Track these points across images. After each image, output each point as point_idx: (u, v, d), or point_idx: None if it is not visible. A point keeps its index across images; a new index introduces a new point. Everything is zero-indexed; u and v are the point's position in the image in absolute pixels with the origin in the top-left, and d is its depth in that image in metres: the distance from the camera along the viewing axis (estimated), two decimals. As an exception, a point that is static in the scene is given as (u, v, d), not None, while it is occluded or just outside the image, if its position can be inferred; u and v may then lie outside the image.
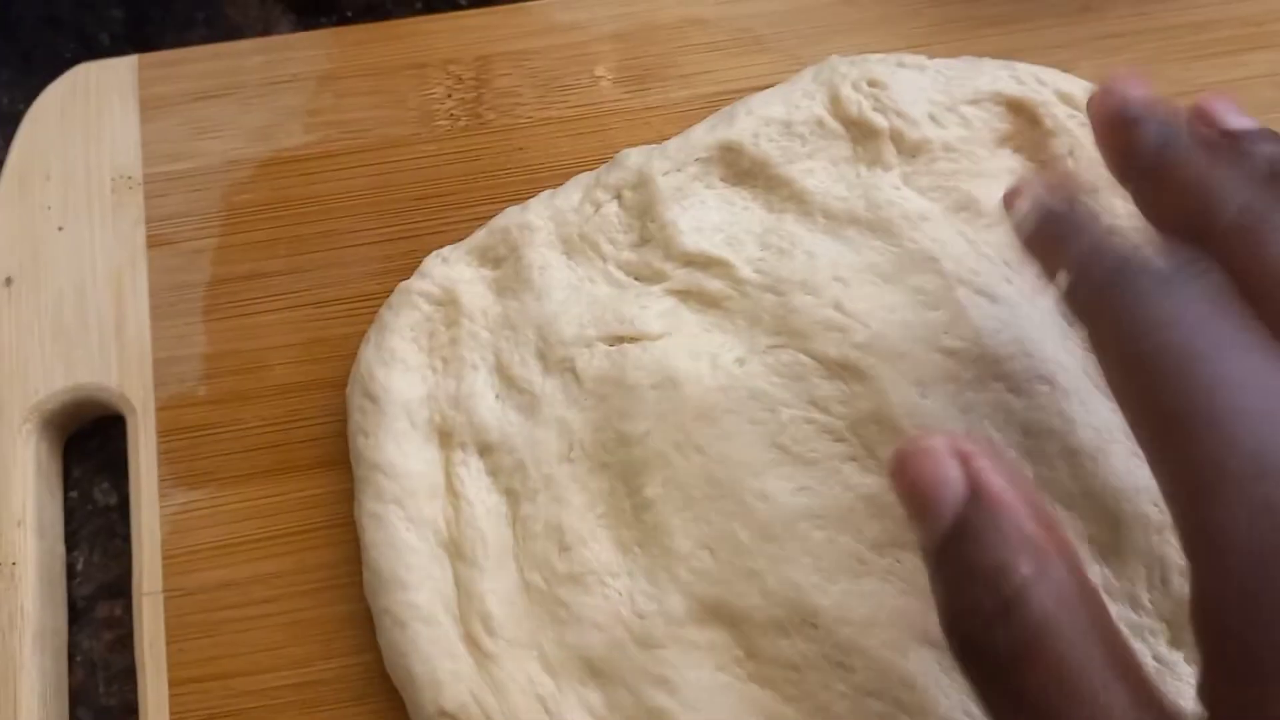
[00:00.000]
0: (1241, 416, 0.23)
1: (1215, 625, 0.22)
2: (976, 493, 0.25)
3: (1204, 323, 0.24)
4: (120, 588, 0.37)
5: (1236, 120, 0.30)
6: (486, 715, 0.31)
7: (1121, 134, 0.30)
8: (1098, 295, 0.26)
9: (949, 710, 0.32)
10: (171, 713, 0.34)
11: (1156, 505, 0.33)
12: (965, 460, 0.25)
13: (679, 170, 0.37)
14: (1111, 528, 0.33)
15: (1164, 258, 0.26)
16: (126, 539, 0.37)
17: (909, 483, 0.26)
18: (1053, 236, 0.29)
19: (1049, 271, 0.28)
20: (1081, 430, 0.34)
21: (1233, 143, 0.29)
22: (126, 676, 0.36)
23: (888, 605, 0.33)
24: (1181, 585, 0.33)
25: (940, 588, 0.25)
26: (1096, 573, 0.33)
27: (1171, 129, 0.29)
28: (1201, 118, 0.30)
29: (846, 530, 0.33)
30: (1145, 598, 0.33)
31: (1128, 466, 0.33)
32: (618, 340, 0.35)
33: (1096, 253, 0.27)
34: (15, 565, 0.35)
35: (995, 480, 0.25)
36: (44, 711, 0.34)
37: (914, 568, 0.33)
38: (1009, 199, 0.31)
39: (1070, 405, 0.34)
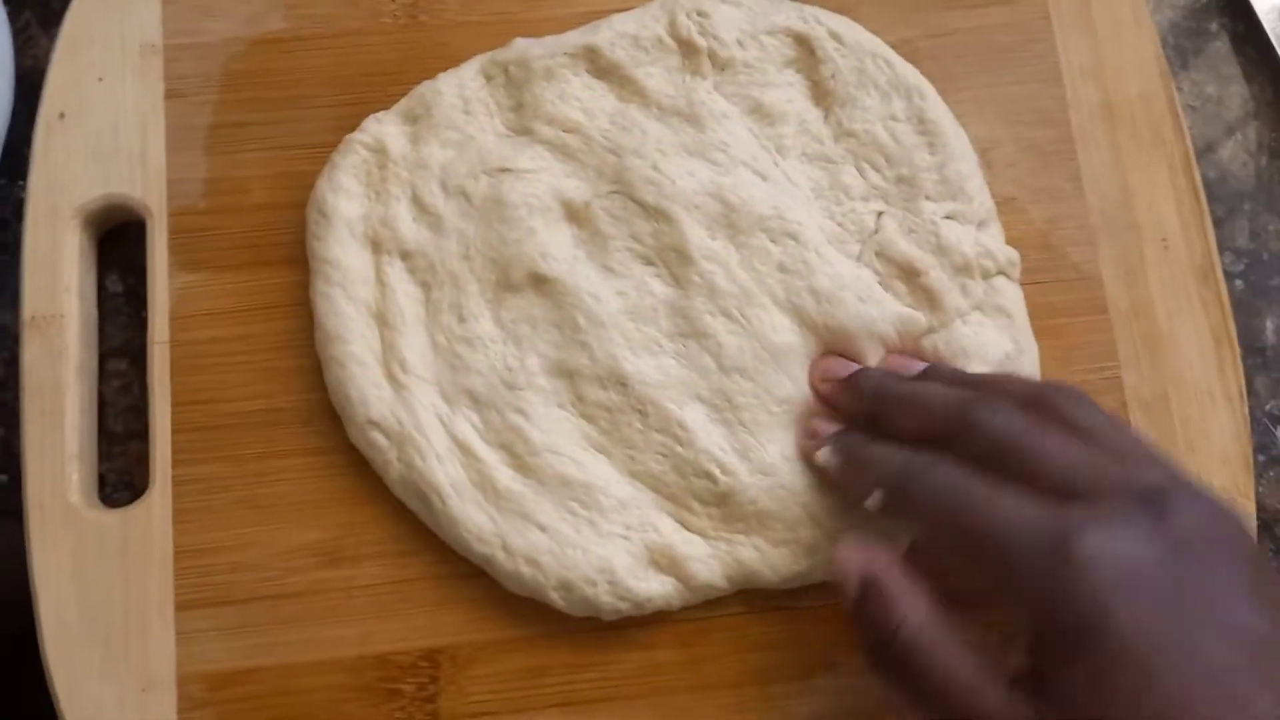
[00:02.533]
0: (1017, 534, 0.36)
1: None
2: (871, 572, 0.39)
3: (970, 480, 0.38)
4: (124, 349, 0.52)
5: (918, 365, 0.47)
6: (400, 424, 0.47)
7: (845, 391, 0.47)
8: (903, 495, 0.40)
9: (707, 444, 0.47)
10: (174, 425, 0.49)
11: (873, 337, 0.49)
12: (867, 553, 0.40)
13: (552, 58, 0.51)
14: (844, 344, 0.49)
15: (922, 455, 0.40)
16: (130, 315, 0.52)
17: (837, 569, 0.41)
18: (853, 470, 0.44)
19: (862, 494, 0.43)
20: (819, 276, 0.49)
21: (925, 373, 0.46)
22: (130, 412, 0.51)
23: (674, 374, 0.48)
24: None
25: (860, 628, 0.39)
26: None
27: (879, 376, 0.47)
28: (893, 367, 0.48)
29: (650, 324, 0.48)
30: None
31: (856, 310, 0.48)
32: (498, 171, 0.49)
33: (886, 467, 0.42)
34: (64, 318, 0.49)
35: (881, 560, 0.40)
36: (82, 420, 0.49)
37: (695, 350, 0.48)
38: (810, 446, 0.47)
39: (809, 255, 0.49)
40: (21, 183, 0.54)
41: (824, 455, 0.45)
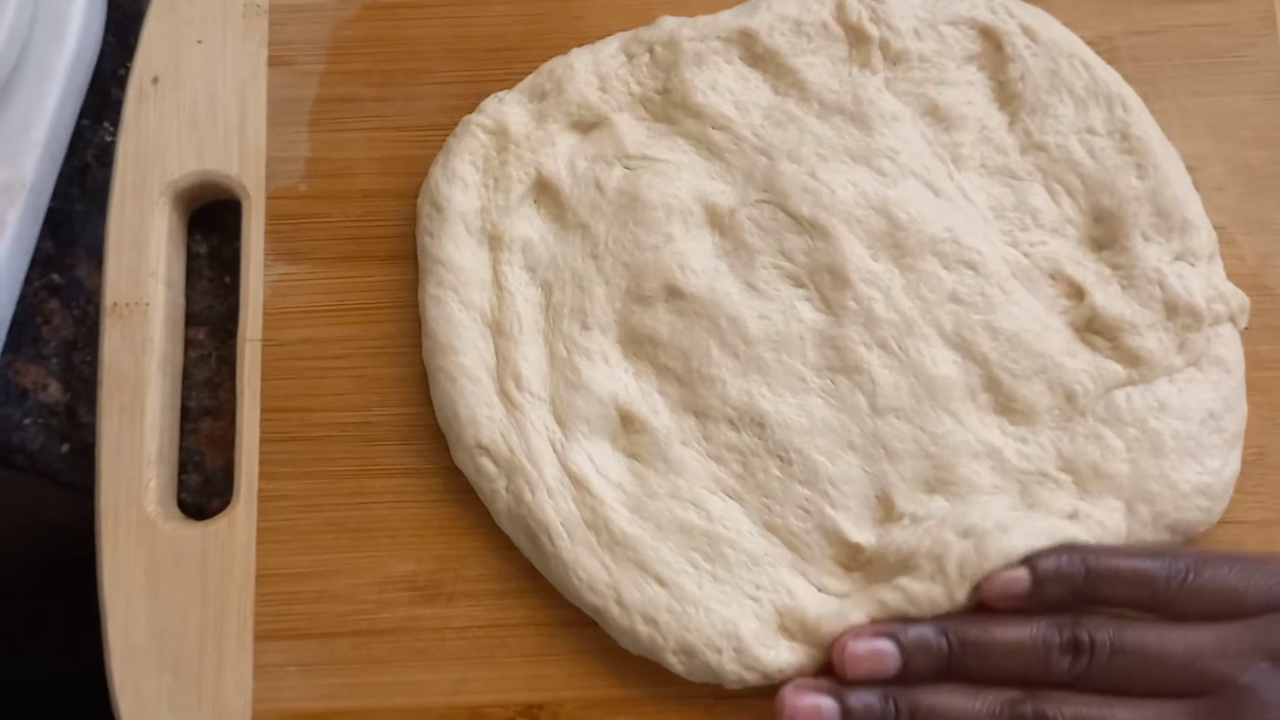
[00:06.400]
0: None
1: None
2: None
3: None
4: (205, 317, 0.47)
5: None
6: (510, 449, 0.42)
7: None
8: None
9: (859, 507, 0.41)
10: (261, 433, 0.44)
11: (1056, 386, 0.42)
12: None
13: (703, 41, 0.45)
14: (1017, 389, 0.42)
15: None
16: (214, 278, 0.47)
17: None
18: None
19: None
20: (1001, 314, 0.42)
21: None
22: (205, 387, 0.46)
23: (819, 418, 0.42)
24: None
25: None
26: (1001, 426, 0.42)
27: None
28: None
29: (795, 355, 0.42)
30: (1036, 439, 0.42)
31: (1043, 357, 0.42)
32: (636, 159, 0.44)
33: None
34: (148, 306, 0.45)
35: None
36: (163, 418, 0.45)
37: (846, 388, 0.42)
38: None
39: (991, 290, 0.43)
40: (107, 124, 0.49)
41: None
